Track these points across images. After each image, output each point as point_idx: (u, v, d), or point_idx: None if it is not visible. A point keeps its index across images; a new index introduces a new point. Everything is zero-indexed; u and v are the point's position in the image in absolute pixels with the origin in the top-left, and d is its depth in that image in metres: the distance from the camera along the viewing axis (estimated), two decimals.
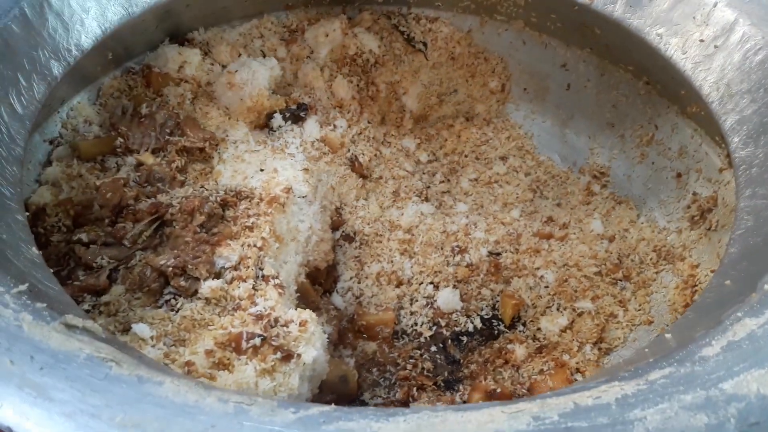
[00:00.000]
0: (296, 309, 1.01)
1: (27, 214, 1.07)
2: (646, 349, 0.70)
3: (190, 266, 0.98)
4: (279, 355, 0.91)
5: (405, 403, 1.20)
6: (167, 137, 1.24)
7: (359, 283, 1.34)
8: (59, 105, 1.22)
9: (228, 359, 0.89)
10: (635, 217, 1.38)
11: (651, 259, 1.30)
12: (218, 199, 1.11)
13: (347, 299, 1.33)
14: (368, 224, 1.40)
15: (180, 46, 1.38)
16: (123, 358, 0.55)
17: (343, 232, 1.39)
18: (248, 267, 1.03)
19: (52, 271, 1.01)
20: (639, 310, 1.28)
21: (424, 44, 1.55)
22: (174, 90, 1.33)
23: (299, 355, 0.93)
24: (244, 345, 0.91)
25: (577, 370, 1.23)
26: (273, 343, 0.92)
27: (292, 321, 0.96)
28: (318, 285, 1.30)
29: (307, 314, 0.98)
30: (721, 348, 0.62)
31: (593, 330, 1.26)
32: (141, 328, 0.90)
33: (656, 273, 1.29)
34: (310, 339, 0.96)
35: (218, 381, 0.85)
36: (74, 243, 1.05)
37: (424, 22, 1.54)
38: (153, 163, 1.18)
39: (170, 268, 0.97)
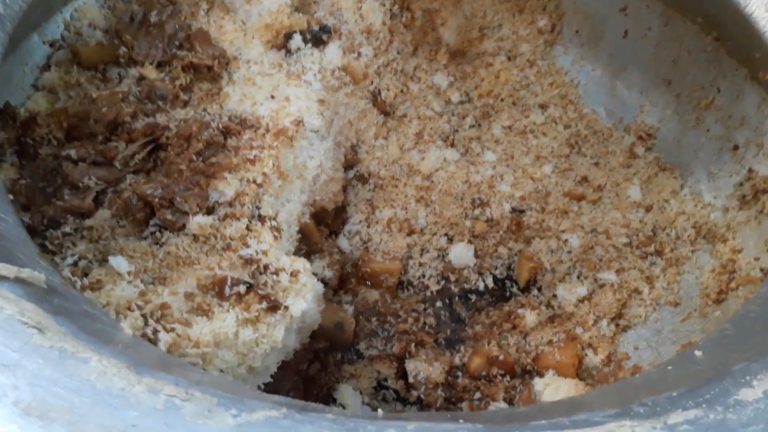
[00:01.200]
0: (291, 256, 0.93)
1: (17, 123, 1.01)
2: (669, 367, 0.61)
3: (178, 198, 0.90)
4: (265, 305, 0.84)
5: (401, 358, 1.14)
6: (175, 51, 1.14)
7: (368, 227, 1.26)
8: (62, 4, 1.13)
9: (208, 305, 0.83)
10: (678, 188, 1.25)
11: (689, 235, 1.18)
12: (220, 125, 1.02)
13: (354, 243, 1.25)
14: (385, 166, 1.30)
15: None
16: (49, 324, 0.47)
17: (357, 171, 1.29)
18: (244, 204, 0.95)
19: (35, 185, 0.96)
20: (666, 289, 1.17)
21: None
22: None
23: (287, 308, 0.86)
24: (227, 291, 0.84)
25: (590, 346, 1.15)
26: (260, 291, 0.85)
27: (284, 270, 0.89)
28: (324, 226, 1.22)
29: (301, 263, 0.90)
30: (763, 393, 0.52)
31: (613, 304, 1.16)
32: (118, 262, 0.83)
33: (692, 252, 1.17)
34: (300, 291, 0.88)
35: (194, 328, 0.79)
36: (63, 159, 0.98)
37: None
38: (156, 78, 1.09)
39: (156, 199, 0.90)
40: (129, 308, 0.78)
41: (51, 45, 1.13)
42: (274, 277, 0.87)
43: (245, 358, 0.83)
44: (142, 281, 0.83)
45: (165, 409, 0.45)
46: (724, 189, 1.16)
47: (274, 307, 0.85)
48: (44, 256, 0.67)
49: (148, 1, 1.21)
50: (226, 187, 0.95)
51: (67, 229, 0.90)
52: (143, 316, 0.78)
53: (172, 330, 0.78)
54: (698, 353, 0.60)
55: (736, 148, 1.14)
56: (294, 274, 0.88)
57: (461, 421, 0.49)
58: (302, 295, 0.88)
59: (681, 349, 1.07)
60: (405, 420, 0.49)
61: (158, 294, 0.83)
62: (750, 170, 1.11)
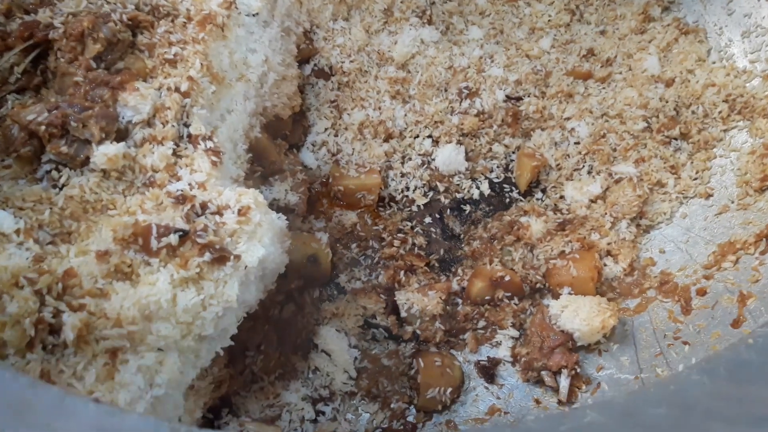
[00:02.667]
0: (239, 187, 0.72)
1: None
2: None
3: (74, 123, 0.66)
4: (208, 256, 0.64)
5: (390, 289, 0.96)
6: None
7: (336, 136, 1.05)
8: None
9: (130, 265, 0.62)
10: (705, 54, 1.04)
11: (720, 112, 0.99)
12: (125, 16, 0.77)
13: (320, 156, 1.04)
14: (349, 56, 1.06)
15: None
16: None
17: (315, 65, 1.06)
18: (167, 122, 0.72)
19: None
20: (695, 178, 1.00)
21: None
22: None
23: (238, 257, 0.65)
24: (154, 244, 0.63)
25: (608, 254, 0.98)
26: (198, 240, 0.64)
27: (228, 207, 0.67)
28: (281, 139, 0.99)
29: (251, 196, 0.69)
30: None
31: (633, 201, 0.99)
32: (1, 218, 0.61)
33: (724, 131, 0.99)
34: (254, 233, 0.68)
35: (113, 300, 0.59)
36: None
37: None
38: None
39: (42, 127, 0.66)
40: (16, 284, 0.56)
41: None
42: (217, 218, 0.66)
43: (190, 327, 0.64)
44: (36, 241, 0.62)
45: None
46: (764, 50, 0.95)
47: (221, 258, 0.64)
48: None
49: None
50: (140, 101, 0.71)
51: None
52: (37, 293, 0.57)
53: (81, 307, 0.57)
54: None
55: None
56: (243, 212, 0.67)
57: None
58: (257, 238, 0.67)
59: (719, 248, 0.90)
60: None
61: (60, 257, 0.61)
62: None
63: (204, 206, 0.66)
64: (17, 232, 0.62)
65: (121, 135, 0.71)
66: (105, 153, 0.67)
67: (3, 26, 0.77)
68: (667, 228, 0.99)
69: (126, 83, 0.72)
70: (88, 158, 0.68)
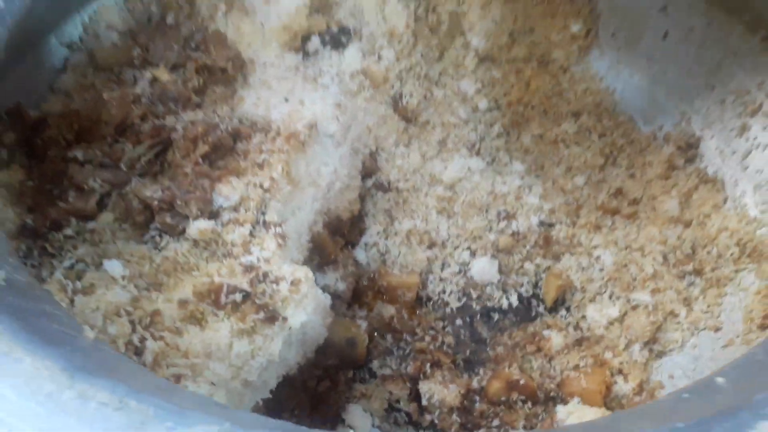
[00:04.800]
0: (294, 264, 0.88)
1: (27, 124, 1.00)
2: (685, 395, 0.53)
3: (179, 202, 0.87)
4: (262, 315, 0.80)
5: (415, 379, 1.07)
6: (189, 53, 1.11)
7: (387, 239, 1.21)
8: (80, 5, 1.12)
9: (202, 313, 0.79)
10: (721, 202, 1.15)
11: (732, 254, 1.08)
12: (230, 128, 0.99)
13: (371, 255, 1.20)
14: (405, 175, 1.24)
15: None
16: None
17: (376, 180, 1.24)
18: (248, 210, 0.91)
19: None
20: (706, 312, 1.08)
21: None
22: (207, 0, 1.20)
23: (285, 319, 0.81)
24: (223, 299, 0.79)
25: (620, 371, 1.06)
26: (257, 301, 0.80)
27: (284, 278, 0.84)
28: (339, 236, 1.17)
29: (303, 272, 0.85)
30: None
31: (647, 327, 1.07)
32: (112, 266, 0.80)
33: (735, 272, 1.08)
34: (301, 301, 0.83)
35: (184, 337, 0.75)
36: (70, 160, 0.95)
37: None
38: (168, 80, 1.06)
39: (156, 202, 0.86)
40: (117, 314, 0.74)
41: (69, 47, 1.12)
42: (274, 286, 0.83)
43: (239, 371, 0.78)
44: (136, 286, 0.80)
45: (92, 419, 0.41)
46: None
47: (271, 318, 0.80)
48: (14, 254, 0.64)
49: (166, 3, 1.19)
50: (231, 192, 0.91)
51: (69, 231, 0.88)
52: (131, 322, 0.74)
53: (161, 338, 0.74)
54: (720, 380, 0.52)
55: None
56: (295, 284, 0.83)
57: None
58: (302, 306, 0.83)
59: None
60: None
61: (152, 300, 0.79)
62: None
63: (265, 275, 0.83)
64: (123, 277, 0.80)
65: (213, 215, 0.90)
66: (198, 227, 0.86)
67: (139, 126, 1.01)
68: (677, 355, 1.06)
69: (222, 178, 0.93)
70: (184, 230, 0.87)
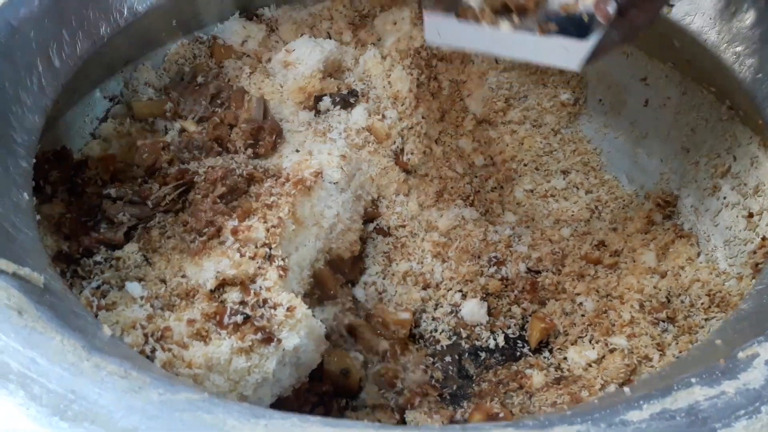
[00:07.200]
0: (291, 294, 0.99)
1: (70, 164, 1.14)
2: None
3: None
4: (260, 336, 0.91)
5: (403, 409, 1.16)
6: (216, 108, 1.27)
7: (384, 279, 1.31)
8: (122, 65, 1.29)
9: (207, 331, 0.90)
10: (695, 255, 1.23)
11: (702, 303, 1.16)
12: (245, 173, 1.12)
13: (369, 293, 1.30)
14: (404, 221, 1.35)
15: (246, 20, 1.41)
16: (29, 309, 0.56)
17: (377, 225, 1.36)
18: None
19: (78, 220, 1.08)
20: (678, 357, 1.15)
21: None
22: (234, 63, 1.36)
23: (279, 340, 0.92)
24: (226, 320, 0.91)
25: None
26: (256, 323, 0.91)
27: (281, 305, 0.95)
28: (341, 274, 1.28)
29: (298, 301, 0.96)
30: (649, 415, 0.53)
31: (622, 370, 1.14)
32: (133, 287, 0.92)
33: (705, 320, 1.15)
34: (295, 326, 0.94)
35: (189, 350, 0.86)
36: (104, 197, 1.10)
37: None
38: (194, 131, 1.22)
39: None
40: (133, 327, 0.86)
41: (111, 99, 1.29)
42: (272, 310, 0.94)
43: (236, 385, 0.89)
44: (152, 306, 0.92)
45: (103, 382, 0.52)
46: (739, 257, 1.15)
47: (268, 339, 0.91)
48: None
49: (198, 65, 1.36)
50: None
51: (99, 258, 1.01)
52: (145, 335, 0.85)
53: (169, 350, 0.85)
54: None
55: (750, 215, 1.13)
56: (290, 309, 0.94)
57: None
58: (296, 330, 0.94)
59: None
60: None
61: (164, 318, 0.91)
62: (763, 238, 1.09)
63: (265, 301, 0.95)
64: (142, 297, 0.92)
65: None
66: None
67: (166, 170, 1.15)
68: None
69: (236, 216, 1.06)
70: None
